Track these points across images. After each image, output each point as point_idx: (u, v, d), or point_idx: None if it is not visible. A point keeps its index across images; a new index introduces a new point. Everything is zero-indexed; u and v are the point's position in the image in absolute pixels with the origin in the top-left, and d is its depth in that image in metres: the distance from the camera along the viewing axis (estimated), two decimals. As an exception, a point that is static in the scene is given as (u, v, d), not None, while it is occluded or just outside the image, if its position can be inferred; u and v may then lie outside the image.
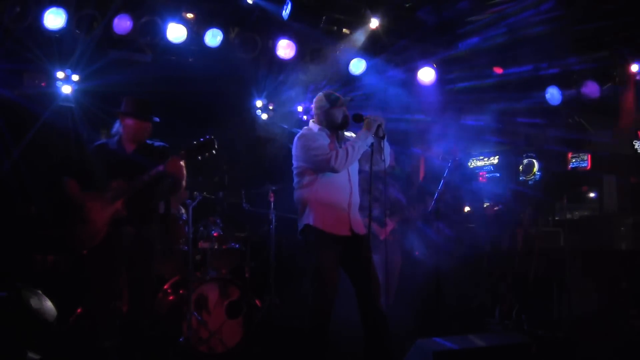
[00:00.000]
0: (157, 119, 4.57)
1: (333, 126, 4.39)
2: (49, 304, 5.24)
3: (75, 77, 6.71)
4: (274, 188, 6.56)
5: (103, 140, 4.71)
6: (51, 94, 6.75)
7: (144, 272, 4.49)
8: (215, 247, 6.05)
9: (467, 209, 7.65)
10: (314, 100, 4.50)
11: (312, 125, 4.47)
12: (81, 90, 6.83)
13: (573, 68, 7.06)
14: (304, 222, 4.32)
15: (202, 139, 4.30)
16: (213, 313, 5.66)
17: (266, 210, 6.63)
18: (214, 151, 4.29)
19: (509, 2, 6.16)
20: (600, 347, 5.25)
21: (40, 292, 5.24)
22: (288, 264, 7.02)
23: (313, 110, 4.50)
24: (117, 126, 4.64)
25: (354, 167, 4.41)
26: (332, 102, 4.35)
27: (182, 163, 4.33)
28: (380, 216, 5.48)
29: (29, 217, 6.81)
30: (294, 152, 4.39)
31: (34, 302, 5.10)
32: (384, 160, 4.33)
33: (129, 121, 4.53)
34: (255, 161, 7.93)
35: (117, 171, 4.41)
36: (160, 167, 4.29)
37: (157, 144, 4.65)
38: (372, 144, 4.29)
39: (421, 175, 8.38)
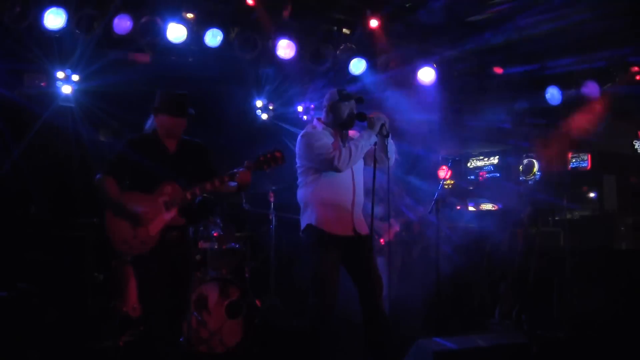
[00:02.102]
0: (192, 111, 4.22)
1: (338, 122, 4.36)
2: (48, 304, 5.24)
3: (75, 77, 6.71)
4: (274, 188, 6.57)
5: (136, 135, 4.28)
6: (51, 94, 6.75)
7: (185, 278, 4.23)
8: (215, 247, 6.05)
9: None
10: (327, 94, 4.46)
11: (317, 123, 4.46)
12: (81, 90, 6.84)
13: (573, 68, 7.06)
14: (306, 221, 4.32)
15: (270, 152, 4.08)
16: (213, 313, 5.66)
17: (266, 210, 6.63)
18: (281, 163, 4.11)
19: (509, 2, 6.16)
20: (600, 347, 5.24)
21: (39, 292, 5.24)
22: (288, 264, 7.03)
23: (323, 103, 4.46)
24: (150, 122, 4.28)
25: (358, 167, 4.39)
26: (342, 96, 4.33)
27: (250, 176, 4.10)
28: (384, 216, 5.47)
29: (28, 216, 6.82)
30: (297, 150, 4.37)
31: (33, 301, 5.10)
32: (388, 159, 4.33)
33: (164, 118, 4.15)
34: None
35: (163, 172, 4.06)
36: (227, 178, 4.03)
37: (194, 140, 4.33)
38: (375, 143, 4.28)
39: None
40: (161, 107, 4.16)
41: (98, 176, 4.06)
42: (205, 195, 4.16)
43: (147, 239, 3.99)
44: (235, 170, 4.06)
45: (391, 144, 4.35)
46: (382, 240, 6.29)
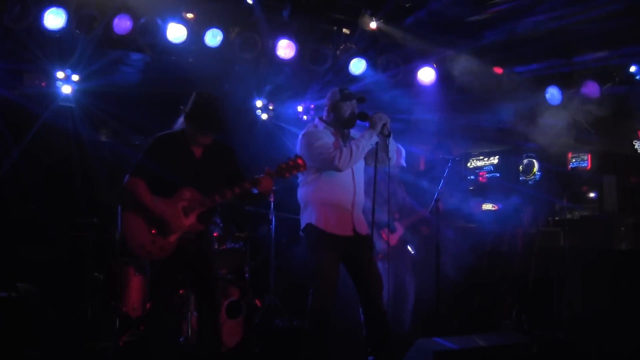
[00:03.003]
0: (223, 126, 4.03)
1: (339, 121, 4.36)
2: (48, 304, 5.24)
3: (75, 77, 6.71)
4: (274, 188, 6.55)
5: (162, 134, 4.08)
6: (51, 94, 6.75)
7: (211, 281, 4.14)
8: (215, 247, 6.05)
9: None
10: (328, 93, 4.46)
11: (318, 122, 4.46)
12: (81, 90, 6.84)
13: (573, 68, 7.06)
14: (306, 221, 4.32)
15: (292, 158, 3.98)
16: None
17: (266, 210, 6.62)
18: (303, 170, 4.02)
19: (509, 2, 6.16)
20: (600, 347, 5.24)
21: (40, 291, 5.24)
22: (288, 264, 7.02)
23: (325, 102, 4.46)
24: (180, 122, 4.08)
25: (359, 167, 4.40)
26: (344, 96, 4.33)
27: (272, 183, 4.00)
28: (388, 220, 5.44)
29: (28, 217, 6.82)
30: (298, 149, 4.36)
31: (33, 302, 5.10)
32: (389, 159, 4.32)
33: (191, 126, 3.99)
34: (255, 161, 7.92)
35: (186, 177, 3.95)
36: (248, 185, 3.93)
37: (222, 143, 4.18)
38: (377, 143, 4.28)
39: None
40: (191, 115, 3.98)
41: (127, 178, 3.92)
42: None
43: (166, 245, 3.90)
44: (256, 177, 3.96)
45: (392, 144, 4.35)
46: (391, 243, 6.28)
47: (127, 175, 3.94)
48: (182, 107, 4.06)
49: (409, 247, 6.44)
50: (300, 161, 3.97)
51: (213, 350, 4.13)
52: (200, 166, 4.04)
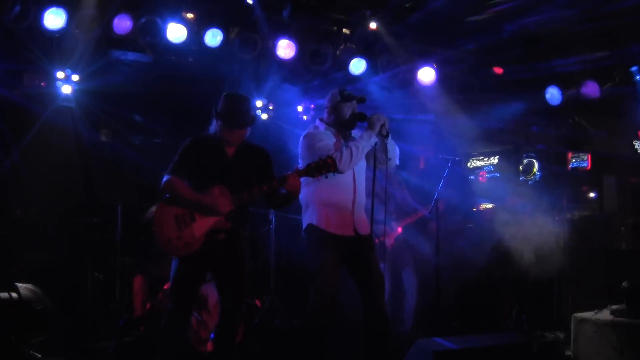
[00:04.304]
0: (252, 120, 4.16)
1: (340, 123, 4.37)
2: (48, 303, 5.23)
3: (75, 77, 6.70)
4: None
5: (200, 135, 4.23)
6: (51, 94, 6.75)
7: (237, 282, 4.18)
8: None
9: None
10: (329, 94, 4.46)
11: (319, 123, 4.46)
12: (81, 90, 6.83)
13: (573, 68, 7.06)
14: (307, 221, 4.33)
15: (322, 158, 3.96)
16: (213, 313, 5.64)
17: (266, 210, 6.62)
18: (333, 170, 3.98)
19: (509, 2, 6.16)
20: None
21: (40, 291, 5.23)
22: (288, 264, 7.02)
23: (325, 104, 4.47)
24: (214, 125, 4.21)
25: (360, 167, 4.40)
26: (344, 97, 4.34)
27: (300, 181, 4.04)
28: (384, 220, 5.45)
29: (28, 216, 6.82)
30: (299, 150, 4.38)
31: (34, 301, 5.10)
32: (389, 159, 4.33)
33: (222, 125, 4.11)
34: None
35: (218, 176, 4.05)
36: (276, 183, 3.98)
37: (255, 146, 4.30)
38: (375, 143, 4.28)
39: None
40: (221, 115, 4.12)
41: (165, 178, 4.05)
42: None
43: (193, 240, 3.98)
44: (283, 174, 4.01)
45: (391, 144, 4.35)
46: (388, 243, 6.29)
47: (165, 176, 4.07)
48: (213, 108, 4.19)
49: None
50: (330, 160, 3.96)
51: (225, 353, 4.17)
52: (232, 166, 4.13)
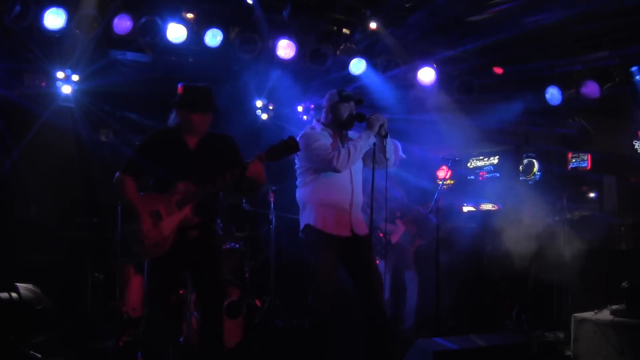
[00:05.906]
0: (217, 105, 4.06)
1: (338, 123, 4.37)
2: (48, 303, 5.24)
3: (75, 77, 6.71)
4: (274, 188, 6.56)
5: (156, 130, 4.15)
6: (51, 94, 6.75)
7: (213, 278, 4.07)
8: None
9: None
10: (327, 95, 4.45)
11: (316, 124, 4.47)
12: (81, 90, 6.84)
13: (573, 68, 7.06)
14: (305, 221, 4.33)
15: (283, 140, 3.85)
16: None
17: (266, 210, 6.62)
18: (297, 151, 3.90)
19: (509, 2, 6.16)
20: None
21: (40, 291, 5.24)
22: (288, 264, 7.02)
23: (323, 104, 4.46)
24: (172, 117, 4.08)
25: (357, 167, 4.40)
26: (342, 97, 4.34)
27: (262, 166, 3.89)
28: (388, 218, 5.46)
29: (28, 217, 6.81)
30: None
31: (33, 302, 5.10)
32: (387, 159, 4.33)
33: (186, 114, 3.96)
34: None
35: (181, 170, 3.92)
36: (237, 171, 3.84)
37: (218, 134, 4.15)
38: (374, 143, 4.28)
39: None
40: (182, 102, 3.98)
41: (116, 175, 3.98)
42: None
43: (162, 241, 3.86)
44: (245, 161, 3.89)
45: (390, 144, 4.35)
46: (392, 240, 6.30)
47: (117, 172, 4.00)
48: (171, 100, 4.07)
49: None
50: (291, 141, 3.85)
51: (214, 352, 4.08)
52: (195, 157, 4.01)
